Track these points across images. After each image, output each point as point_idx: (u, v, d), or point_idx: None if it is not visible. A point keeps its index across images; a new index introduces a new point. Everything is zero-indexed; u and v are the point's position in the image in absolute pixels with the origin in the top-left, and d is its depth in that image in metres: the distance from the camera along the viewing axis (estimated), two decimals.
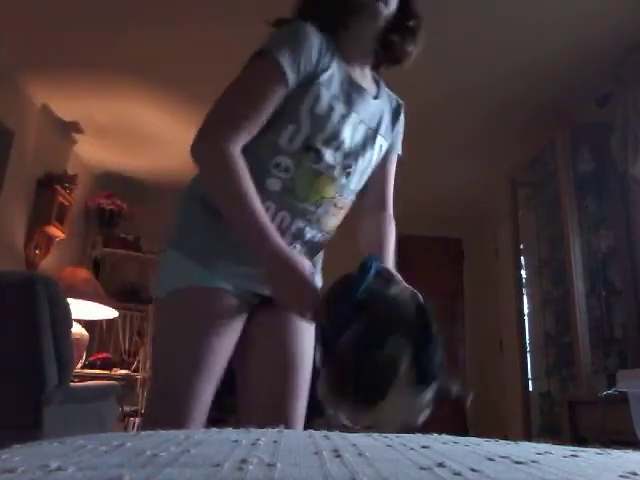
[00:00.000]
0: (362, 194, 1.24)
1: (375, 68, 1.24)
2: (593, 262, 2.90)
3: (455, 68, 2.90)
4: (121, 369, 4.04)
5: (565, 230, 2.89)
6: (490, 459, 0.42)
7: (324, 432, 0.61)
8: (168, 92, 3.24)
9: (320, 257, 1.27)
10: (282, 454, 0.42)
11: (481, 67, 2.88)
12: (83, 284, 3.55)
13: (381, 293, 0.85)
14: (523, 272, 3.63)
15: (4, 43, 2.81)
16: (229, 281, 1.05)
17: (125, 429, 3.80)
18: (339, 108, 1.07)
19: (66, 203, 3.65)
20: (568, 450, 0.50)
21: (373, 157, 1.18)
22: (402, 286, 0.92)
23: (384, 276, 0.90)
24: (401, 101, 1.33)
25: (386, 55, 1.20)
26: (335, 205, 1.13)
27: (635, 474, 0.38)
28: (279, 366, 1.14)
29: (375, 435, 0.59)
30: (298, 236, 1.10)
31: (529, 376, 3.43)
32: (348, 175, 1.12)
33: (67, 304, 2.26)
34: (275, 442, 0.48)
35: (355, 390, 0.79)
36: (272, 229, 0.96)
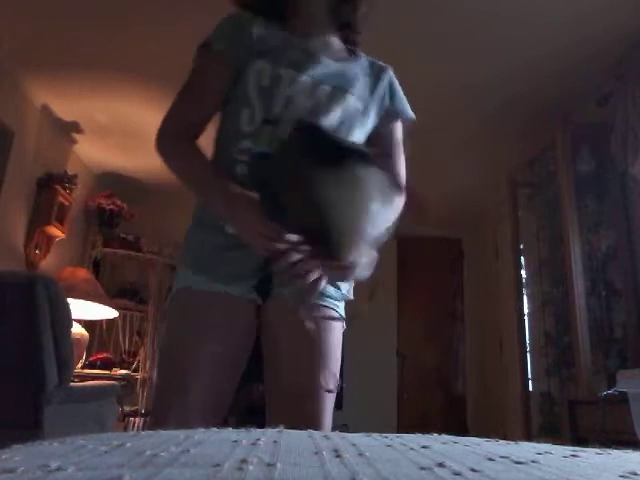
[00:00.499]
0: None
1: (348, 39, 1.34)
2: (593, 262, 2.90)
3: (455, 68, 2.89)
4: (121, 369, 4.04)
5: (565, 230, 2.89)
6: (490, 459, 0.42)
7: (324, 432, 0.61)
8: (168, 92, 3.22)
9: None
10: (282, 454, 0.42)
11: (481, 67, 2.88)
12: (83, 284, 3.55)
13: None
14: (523, 272, 3.63)
15: (4, 43, 2.81)
16: (226, 283, 1.06)
17: (125, 429, 3.80)
18: (287, 74, 1.09)
19: (66, 203, 3.65)
20: (568, 450, 0.50)
21: (346, 117, 1.16)
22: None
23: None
24: (386, 65, 1.37)
25: (342, 22, 1.28)
26: None
27: (635, 474, 0.38)
28: (308, 361, 1.15)
29: (375, 435, 0.59)
30: None
31: (529, 376, 3.42)
32: None
33: (67, 304, 2.26)
34: (275, 442, 0.48)
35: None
36: (221, 182, 1.04)
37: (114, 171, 4.43)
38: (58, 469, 0.36)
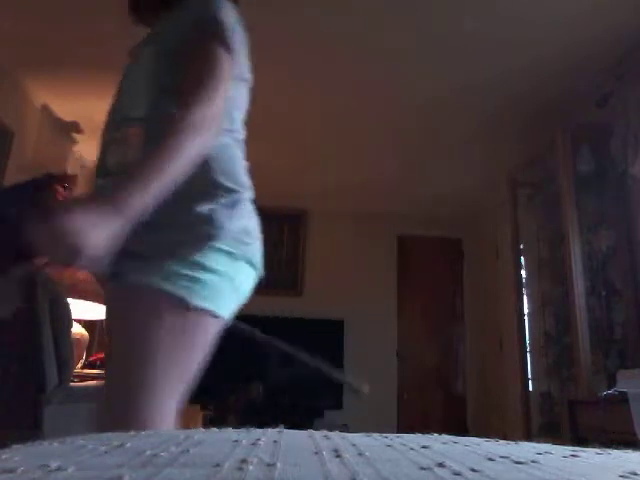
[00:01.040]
0: None
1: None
2: (593, 262, 2.90)
3: (455, 68, 2.89)
4: None
5: (565, 230, 2.89)
6: (490, 459, 0.42)
7: (324, 432, 0.61)
8: None
9: None
10: (282, 454, 0.42)
11: (481, 67, 2.88)
12: (83, 284, 3.55)
13: None
14: (523, 272, 3.63)
15: (4, 43, 2.81)
16: None
17: None
18: None
19: None
20: (568, 450, 0.50)
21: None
22: None
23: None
24: None
25: None
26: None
27: (635, 474, 0.38)
28: None
29: (375, 435, 0.59)
30: None
31: (529, 376, 3.42)
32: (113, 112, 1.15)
33: (67, 304, 2.26)
34: (275, 442, 0.48)
35: None
36: None
37: None
38: (58, 469, 0.36)
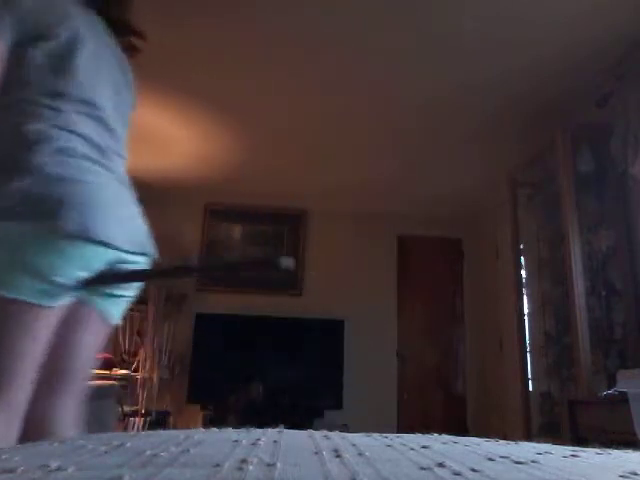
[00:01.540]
0: None
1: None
2: (593, 262, 2.90)
3: (455, 68, 2.89)
4: (121, 369, 4.04)
5: (565, 230, 2.89)
6: (490, 459, 0.42)
7: (324, 432, 0.61)
8: (168, 92, 3.24)
9: None
10: (282, 454, 0.42)
11: (481, 67, 2.88)
12: None
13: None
14: (523, 272, 3.63)
15: None
16: None
17: (125, 429, 3.80)
18: None
19: None
20: (568, 450, 0.50)
21: None
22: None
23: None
24: None
25: None
26: None
27: (635, 474, 0.38)
28: None
29: (375, 435, 0.59)
30: None
31: (529, 376, 3.42)
32: None
33: None
34: (275, 442, 0.48)
35: None
36: None
37: None
38: (58, 469, 0.36)
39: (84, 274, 1.01)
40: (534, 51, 2.71)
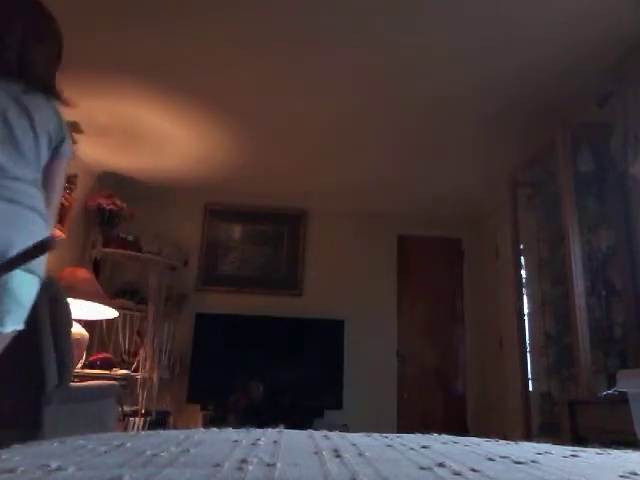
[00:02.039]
0: None
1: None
2: (593, 262, 2.90)
3: (455, 68, 2.89)
4: (121, 369, 4.04)
5: (565, 230, 2.89)
6: (490, 459, 0.42)
7: (324, 432, 0.61)
8: (168, 92, 3.24)
9: None
10: (282, 454, 0.42)
11: (481, 67, 2.88)
12: (83, 284, 3.55)
13: None
14: (523, 272, 3.63)
15: None
16: None
17: (125, 429, 3.80)
18: None
19: (66, 203, 3.65)
20: (568, 450, 0.50)
21: None
22: None
23: None
24: None
25: None
26: None
27: (635, 474, 0.38)
28: None
29: (375, 435, 0.59)
30: None
31: (529, 376, 3.42)
32: None
33: (67, 304, 2.26)
34: (275, 442, 0.48)
35: None
36: None
37: (114, 171, 4.43)
38: (58, 469, 0.36)
39: None
40: (534, 51, 2.71)
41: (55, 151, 1.55)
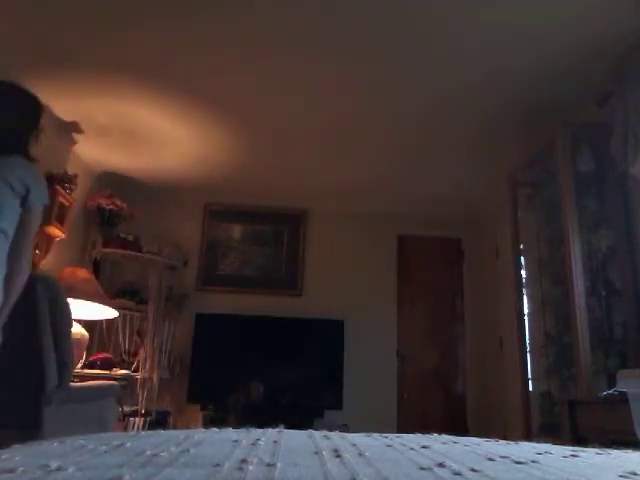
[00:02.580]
0: None
1: None
2: (593, 262, 2.89)
3: (454, 68, 2.89)
4: (121, 369, 4.04)
5: (565, 230, 2.89)
6: (490, 459, 0.42)
7: (324, 432, 0.61)
8: (168, 92, 3.24)
9: None
10: (282, 454, 0.42)
11: (481, 67, 2.88)
12: (83, 284, 3.54)
13: None
14: (523, 272, 3.63)
15: (4, 43, 2.81)
16: None
17: (125, 429, 3.80)
18: None
19: (66, 203, 3.65)
20: (568, 450, 0.50)
21: None
22: None
23: None
24: None
25: None
26: None
27: (635, 474, 0.38)
28: None
29: (375, 435, 0.59)
30: None
31: (529, 376, 3.42)
32: None
33: (67, 304, 2.26)
34: (275, 442, 0.48)
35: None
36: None
37: (114, 171, 4.43)
38: (58, 469, 0.36)
39: None
40: (534, 51, 2.71)
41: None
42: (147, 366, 4.23)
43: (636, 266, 2.69)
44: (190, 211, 4.99)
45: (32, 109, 1.83)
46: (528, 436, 3.16)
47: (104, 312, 3.77)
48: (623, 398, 2.10)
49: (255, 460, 0.39)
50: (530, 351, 3.44)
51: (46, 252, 3.63)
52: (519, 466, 0.40)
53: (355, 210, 5.03)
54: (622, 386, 2.17)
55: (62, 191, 3.59)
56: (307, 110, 3.43)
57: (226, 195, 4.91)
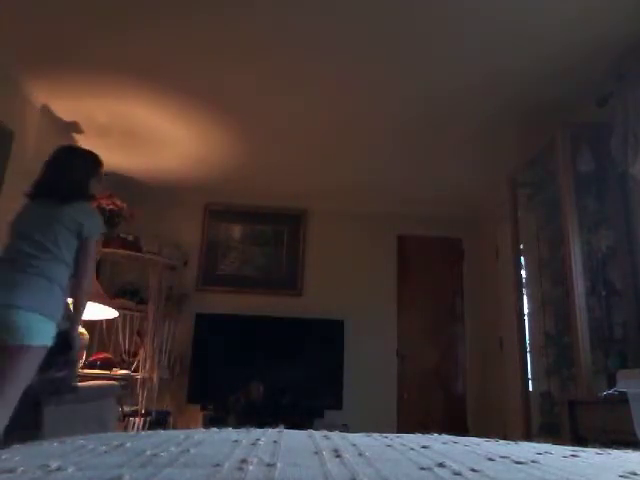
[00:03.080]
0: None
1: None
2: (593, 262, 2.89)
3: (454, 68, 2.89)
4: (121, 369, 4.04)
5: (565, 230, 2.89)
6: (490, 459, 0.42)
7: (324, 432, 0.61)
8: (168, 92, 3.24)
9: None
10: (282, 454, 0.42)
11: (481, 67, 2.88)
12: None
13: None
14: (523, 272, 3.63)
15: (4, 43, 2.81)
16: None
17: (125, 429, 3.80)
18: None
19: None
20: (568, 450, 0.50)
21: None
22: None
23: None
24: None
25: None
26: None
27: (635, 474, 0.38)
28: None
29: (375, 435, 0.59)
30: None
31: (529, 376, 3.42)
32: None
33: (67, 304, 2.25)
34: (275, 442, 0.48)
35: None
36: None
37: (114, 171, 4.42)
38: (58, 469, 0.36)
39: None
40: (534, 51, 2.71)
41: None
42: (147, 366, 4.23)
43: (636, 266, 2.69)
44: (190, 211, 4.99)
45: (94, 166, 2.35)
46: (528, 436, 3.16)
47: (104, 312, 3.77)
48: (623, 398, 2.10)
49: (255, 460, 0.39)
50: (530, 351, 3.44)
51: None
52: (519, 466, 0.40)
53: (355, 210, 5.03)
54: (622, 386, 2.17)
55: None
56: (307, 110, 3.43)
57: (226, 195, 4.91)
